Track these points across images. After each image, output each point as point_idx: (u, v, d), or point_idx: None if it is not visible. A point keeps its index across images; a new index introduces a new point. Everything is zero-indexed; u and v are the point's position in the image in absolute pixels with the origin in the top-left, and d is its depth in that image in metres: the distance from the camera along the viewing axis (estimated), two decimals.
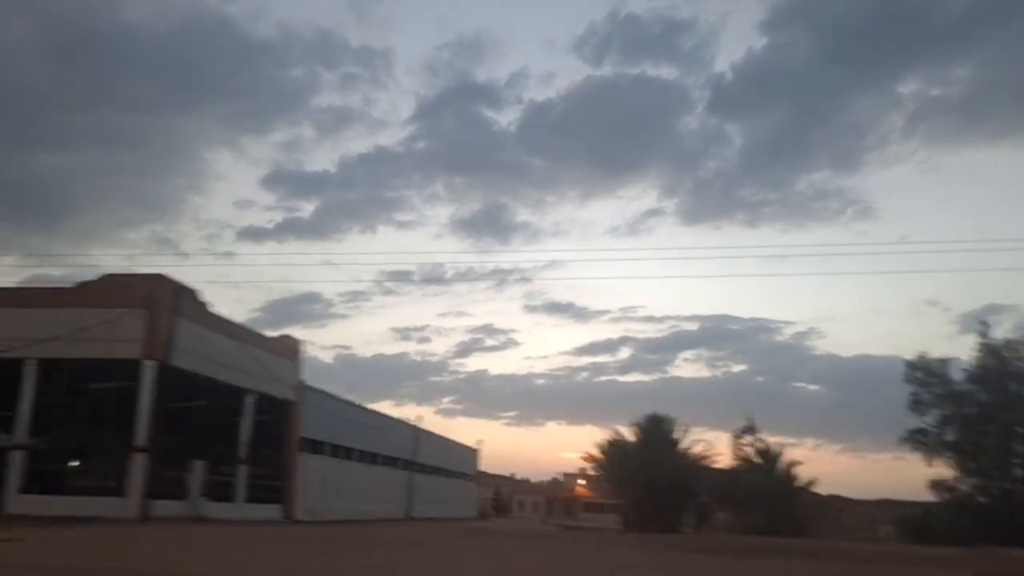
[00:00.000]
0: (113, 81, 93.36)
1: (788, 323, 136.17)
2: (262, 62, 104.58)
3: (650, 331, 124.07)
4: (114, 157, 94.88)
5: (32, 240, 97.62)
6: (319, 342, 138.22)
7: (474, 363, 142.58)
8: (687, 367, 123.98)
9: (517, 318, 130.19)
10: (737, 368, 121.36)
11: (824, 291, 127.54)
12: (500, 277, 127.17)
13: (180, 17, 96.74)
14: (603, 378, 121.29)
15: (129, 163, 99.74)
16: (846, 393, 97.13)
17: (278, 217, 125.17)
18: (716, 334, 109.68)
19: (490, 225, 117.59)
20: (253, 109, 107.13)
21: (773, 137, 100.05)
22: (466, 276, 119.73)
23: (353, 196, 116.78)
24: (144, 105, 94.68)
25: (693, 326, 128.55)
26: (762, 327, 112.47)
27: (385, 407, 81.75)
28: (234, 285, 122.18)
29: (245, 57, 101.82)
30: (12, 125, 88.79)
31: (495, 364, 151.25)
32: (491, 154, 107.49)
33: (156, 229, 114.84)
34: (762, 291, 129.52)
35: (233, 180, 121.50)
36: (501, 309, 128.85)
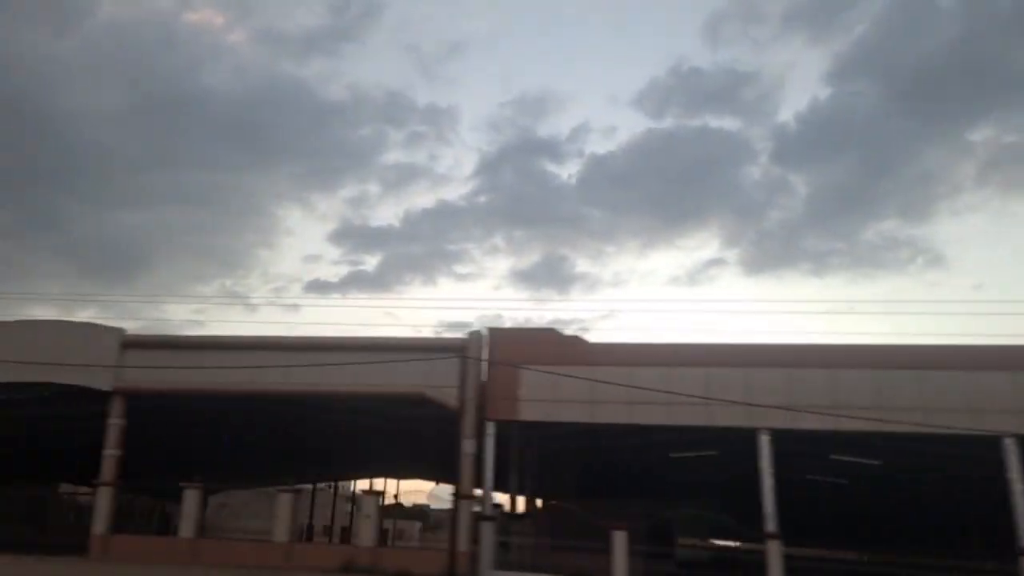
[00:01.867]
0: (191, 142, 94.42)
1: None
2: (333, 122, 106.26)
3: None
4: (190, 215, 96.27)
5: (110, 294, 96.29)
6: None
7: None
8: None
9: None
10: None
11: (892, 343, 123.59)
12: (559, 328, 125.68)
13: (257, 81, 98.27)
14: None
15: (203, 220, 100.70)
16: None
17: (343, 270, 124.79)
18: None
19: (549, 276, 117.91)
20: (323, 167, 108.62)
21: (839, 186, 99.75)
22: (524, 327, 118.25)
23: (415, 249, 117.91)
24: (220, 165, 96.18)
25: None
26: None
27: None
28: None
29: (317, 118, 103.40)
30: (95, 185, 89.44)
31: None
32: (551, 206, 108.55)
33: (226, 283, 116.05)
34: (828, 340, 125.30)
35: (302, 235, 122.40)
36: None
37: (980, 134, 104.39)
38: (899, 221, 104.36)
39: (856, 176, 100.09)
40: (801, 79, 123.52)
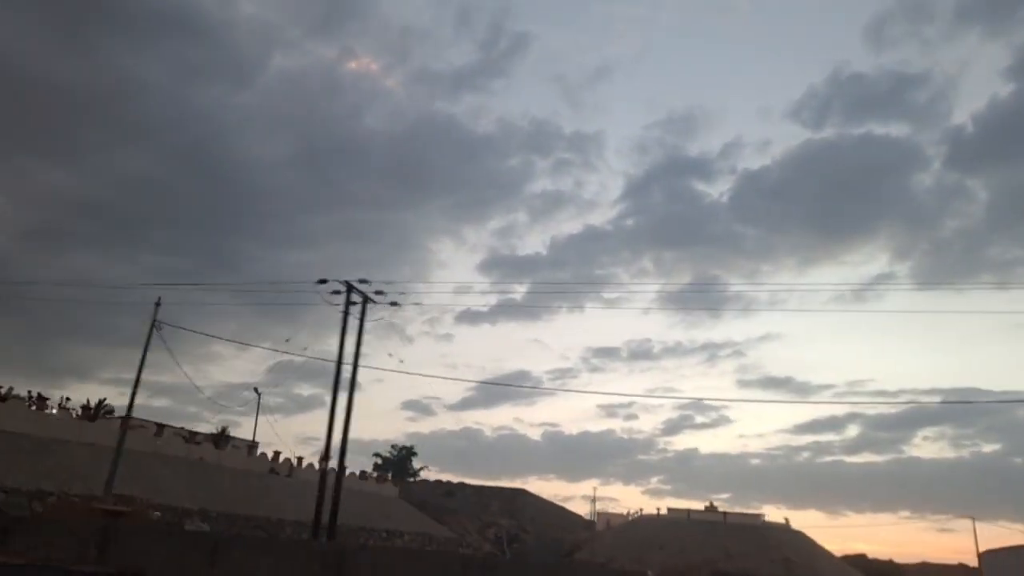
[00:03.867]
0: (353, 183, 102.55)
1: None
2: (482, 155, 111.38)
3: (882, 406, 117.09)
4: (351, 251, 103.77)
5: (277, 330, 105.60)
6: (527, 419, 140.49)
7: (683, 441, 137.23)
8: (927, 446, 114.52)
9: (730, 393, 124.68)
10: (988, 448, 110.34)
11: None
12: (711, 351, 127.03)
13: (412, 121, 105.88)
14: (827, 458, 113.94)
15: (364, 256, 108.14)
16: None
17: (492, 300, 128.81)
18: (961, 409, 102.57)
19: (700, 298, 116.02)
20: (473, 199, 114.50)
21: (1021, 189, 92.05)
22: (675, 351, 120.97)
23: (562, 275, 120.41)
24: (379, 203, 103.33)
25: (934, 399, 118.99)
26: (1018, 400, 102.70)
27: (590, 485, 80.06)
28: (452, 366, 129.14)
29: (467, 152, 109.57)
30: (267, 227, 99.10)
31: (706, 442, 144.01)
32: (702, 226, 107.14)
33: (384, 316, 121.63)
34: (1015, 359, 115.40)
35: (453, 267, 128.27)
36: (712, 385, 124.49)
37: None
38: None
39: None
40: (977, 77, 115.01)
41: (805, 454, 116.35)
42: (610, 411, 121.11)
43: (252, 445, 45.76)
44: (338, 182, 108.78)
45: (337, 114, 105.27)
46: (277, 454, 46.03)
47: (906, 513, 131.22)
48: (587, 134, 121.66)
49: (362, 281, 27.10)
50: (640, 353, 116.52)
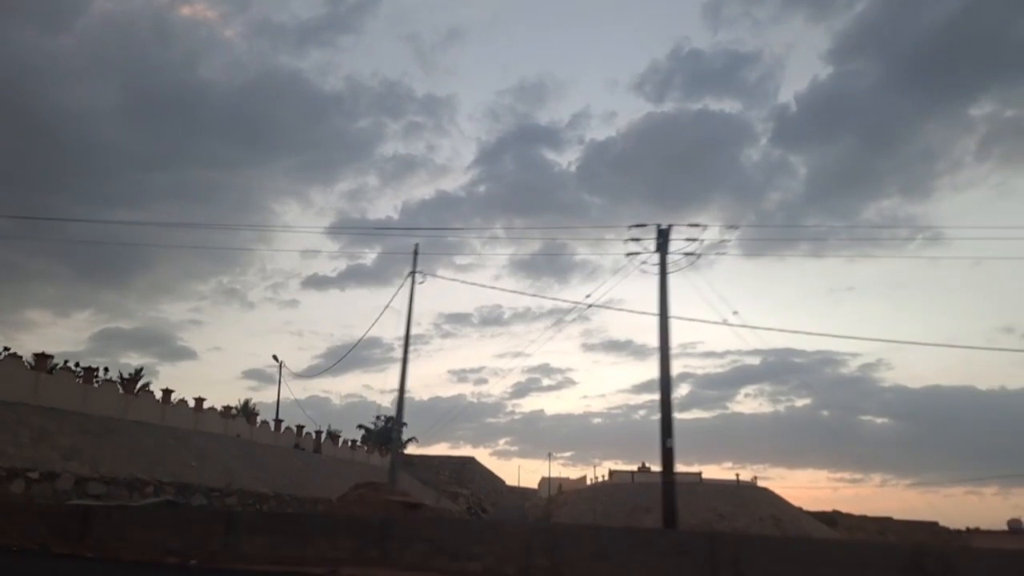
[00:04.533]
0: (188, 139, 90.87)
1: (854, 355, 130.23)
2: (330, 115, 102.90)
3: (710, 367, 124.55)
4: (187, 212, 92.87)
5: (106, 294, 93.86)
6: (378, 386, 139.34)
7: (530, 404, 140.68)
8: (748, 403, 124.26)
9: (575, 357, 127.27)
10: (801, 402, 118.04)
11: (893, 321, 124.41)
12: (558, 316, 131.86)
13: (253, 75, 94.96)
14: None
15: (200, 217, 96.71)
16: (917, 426, 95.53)
17: (341, 265, 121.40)
18: (779, 368, 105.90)
19: (549, 265, 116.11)
20: (320, 160, 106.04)
21: (839, 166, 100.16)
22: (524, 317, 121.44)
23: (414, 241, 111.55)
24: (217, 161, 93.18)
25: (755, 360, 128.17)
26: (827, 359, 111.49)
27: (441, 449, 79.58)
28: (298, 333, 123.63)
29: (314, 111, 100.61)
30: (90, 184, 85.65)
31: (552, 404, 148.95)
32: (551, 195, 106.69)
33: (223, 280, 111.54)
34: (828, 323, 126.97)
35: (299, 231, 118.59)
36: (558, 348, 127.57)
37: (981, 109, 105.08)
38: (899, 199, 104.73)
39: (856, 155, 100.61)
40: (802, 59, 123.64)
41: (642, 412, 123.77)
42: (461, 376, 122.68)
43: (278, 420, 42.16)
44: (172, 137, 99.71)
45: (169, 62, 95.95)
46: (300, 428, 42.88)
47: (729, 464, 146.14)
48: (439, 97, 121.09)
49: None
50: (491, 319, 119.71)
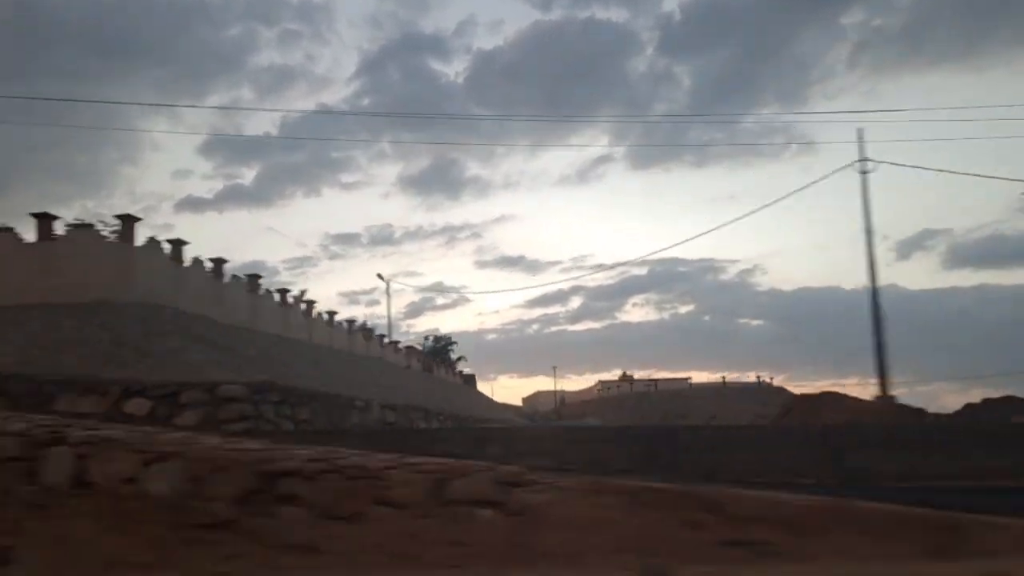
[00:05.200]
0: (39, 49, 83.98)
1: (733, 262, 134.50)
2: (197, 23, 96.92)
3: (600, 279, 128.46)
4: (43, 131, 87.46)
5: None
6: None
7: (425, 323, 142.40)
8: (636, 312, 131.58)
9: (468, 274, 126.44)
10: (684, 309, 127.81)
11: (768, 229, 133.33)
12: (450, 234, 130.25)
13: None
14: (554, 328, 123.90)
15: (57, 136, 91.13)
16: (788, 326, 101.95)
17: (218, 185, 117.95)
18: (664, 278, 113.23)
19: (439, 181, 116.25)
20: (189, 73, 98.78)
21: (721, 76, 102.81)
22: (416, 235, 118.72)
23: (296, 159, 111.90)
24: (74, 75, 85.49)
25: (642, 271, 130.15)
26: (708, 267, 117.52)
27: None
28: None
29: (179, 19, 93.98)
30: None
31: (446, 322, 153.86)
32: (439, 107, 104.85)
33: (88, 205, 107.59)
34: (709, 232, 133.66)
35: (169, 149, 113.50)
36: (452, 266, 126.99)
37: (852, 18, 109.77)
38: (777, 108, 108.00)
39: (736, 65, 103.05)
40: None
41: (535, 326, 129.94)
42: (352, 298, 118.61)
43: (380, 335, 46.43)
44: (18, 49, 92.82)
45: None
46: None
47: (618, 371, 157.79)
48: (316, 3, 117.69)
49: None
50: (381, 238, 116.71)
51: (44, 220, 24.37)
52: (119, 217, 25.10)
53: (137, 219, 25.09)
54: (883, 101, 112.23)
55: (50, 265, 23.26)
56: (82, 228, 25.31)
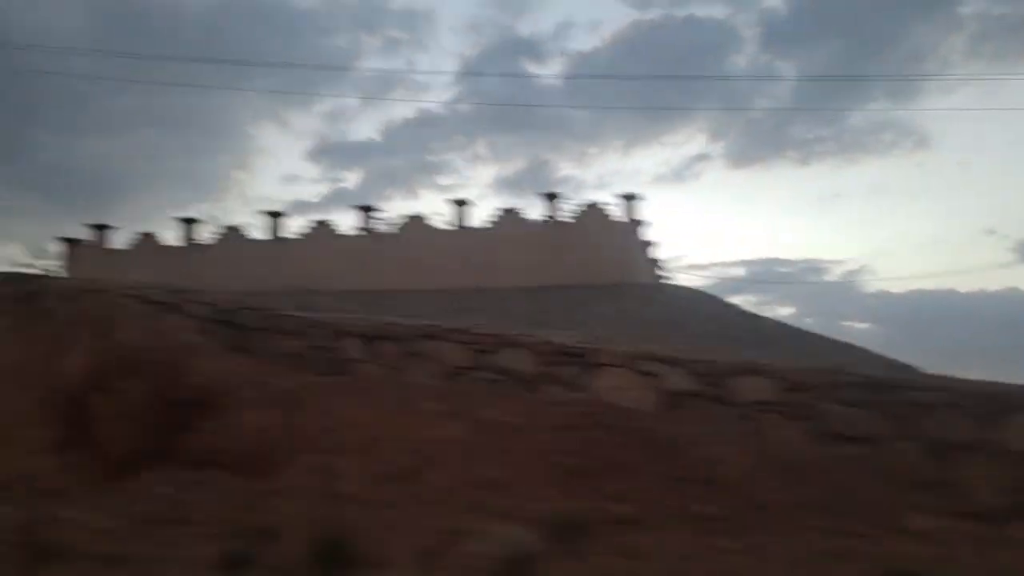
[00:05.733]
0: (159, 62, 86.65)
1: (838, 262, 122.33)
2: (305, 33, 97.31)
3: (694, 279, 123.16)
4: (163, 139, 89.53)
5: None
6: None
7: None
8: None
9: None
10: (785, 311, 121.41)
11: (877, 227, 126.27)
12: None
13: None
14: None
15: (177, 144, 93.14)
16: (897, 330, 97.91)
17: (324, 189, 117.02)
18: (764, 278, 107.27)
19: (533, 182, 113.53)
20: (297, 81, 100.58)
21: (826, 71, 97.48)
22: None
23: (396, 163, 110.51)
24: (190, 84, 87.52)
25: (740, 271, 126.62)
26: (811, 267, 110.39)
27: None
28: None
29: (289, 29, 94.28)
30: (62, 112, 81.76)
31: None
32: (535, 109, 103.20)
33: (204, 208, 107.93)
34: (814, 231, 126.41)
35: (279, 155, 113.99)
36: None
37: (971, 7, 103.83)
38: (886, 103, 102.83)
39: (844, 59, 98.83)
40: None
41: None
42: None
43: None
44: (142, 61, 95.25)
45: None
46: None
47: None
48: (418, 11, 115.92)
49: None
50: None
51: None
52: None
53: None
54: (1005, 95, 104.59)
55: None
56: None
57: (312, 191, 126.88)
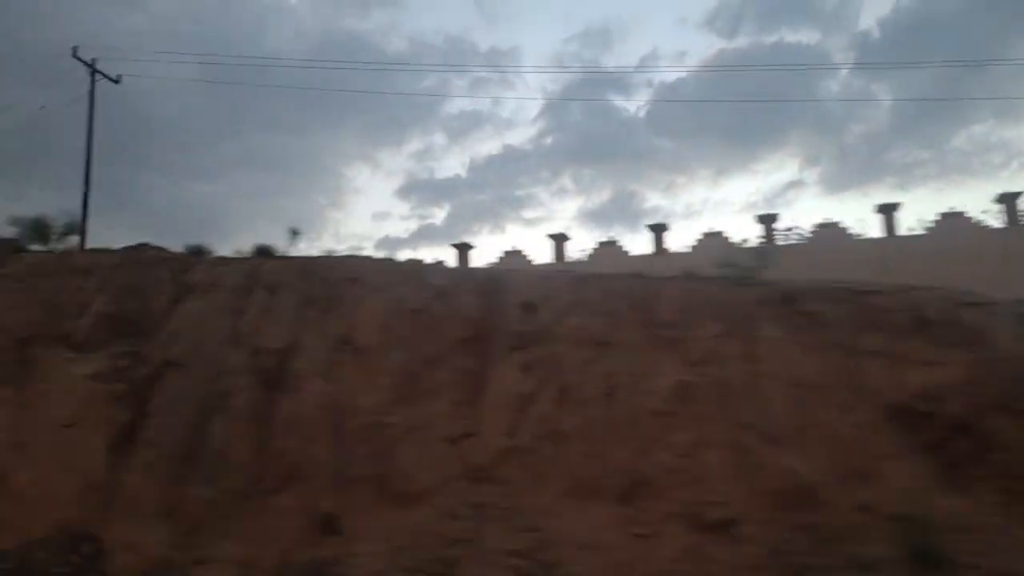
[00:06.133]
0: (258, 108, 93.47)
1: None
2: (395, 75, 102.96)
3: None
4: (261, 180, 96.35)
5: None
6: None
7: None
8: None
9: None
10: None
11: None
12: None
13: (317, 39, 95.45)
14: None
15: (274, 185, 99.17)
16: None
17: (412, 225, 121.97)
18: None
19: (619, 213, 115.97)
20: (387, 122, 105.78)
21: (925, 92, 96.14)
22: None
23: (482, 198, 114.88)
24: (286, 128, 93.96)
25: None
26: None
27: None
28: None
29: (379, 72, 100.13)
30: (168, 157, 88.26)
31: None
32: (620, 142, 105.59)
33: (300, 246, 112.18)
34: None
35: (370, 193, 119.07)
36: None
37: None
38: (991, 124, 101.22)
39: (943, 80, 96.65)
40: None
41: None
42: None
43: None
44: (241, 107, 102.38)
45: (236, 35, 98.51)
46: None
47: None
48: (503, 50, 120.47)
49: None
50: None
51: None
52: None
53: None
54: None
55: None
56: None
57: (401, 227, 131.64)
